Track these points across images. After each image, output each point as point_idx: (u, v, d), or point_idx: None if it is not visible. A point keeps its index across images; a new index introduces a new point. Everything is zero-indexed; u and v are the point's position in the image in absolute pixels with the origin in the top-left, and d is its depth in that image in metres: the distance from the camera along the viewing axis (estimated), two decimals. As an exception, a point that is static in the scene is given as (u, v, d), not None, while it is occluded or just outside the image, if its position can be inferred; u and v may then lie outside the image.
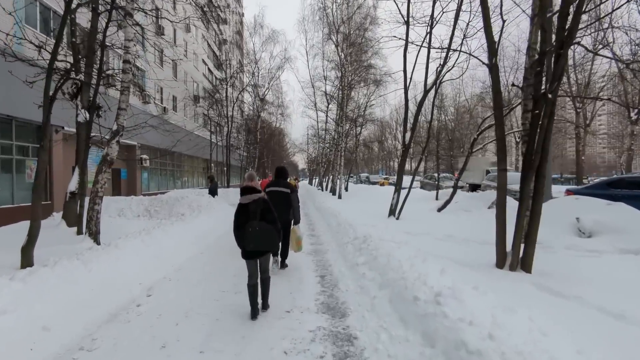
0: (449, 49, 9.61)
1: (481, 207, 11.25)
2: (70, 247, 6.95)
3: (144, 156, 21.25)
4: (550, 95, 4.66)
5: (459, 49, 9.41)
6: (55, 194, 13.55)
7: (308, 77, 32.03)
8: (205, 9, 30.90)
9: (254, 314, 3.98)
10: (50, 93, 5.95)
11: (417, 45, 10.03)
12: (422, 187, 26.43)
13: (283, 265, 6.34)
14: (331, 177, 28.91)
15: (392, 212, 10.56)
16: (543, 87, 4.90)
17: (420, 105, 10.71)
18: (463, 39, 9.75)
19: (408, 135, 10.56)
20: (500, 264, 5.21)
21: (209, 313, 4.15)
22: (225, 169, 29.55)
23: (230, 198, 21.32)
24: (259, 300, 4.16)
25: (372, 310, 4.08)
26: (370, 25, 23.04)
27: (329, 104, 28.74)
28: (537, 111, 4.85)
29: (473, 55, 6.15)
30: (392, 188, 25.60)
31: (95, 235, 7.73)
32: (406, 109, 10.75)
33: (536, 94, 4.95)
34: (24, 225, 11.00)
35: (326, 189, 32.53)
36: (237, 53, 40.84)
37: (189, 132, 27.78)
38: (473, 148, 11.33)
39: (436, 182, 23.75)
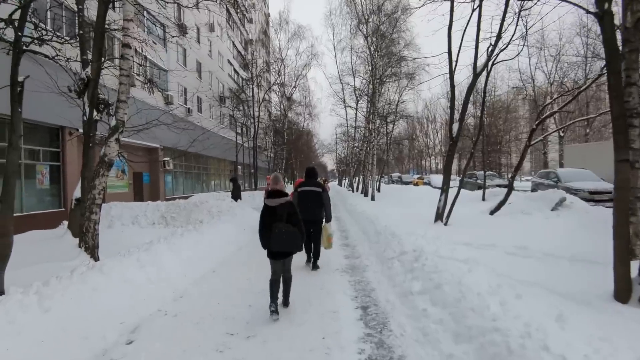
0: (504, 14, 7.95)
1: (543, 208, 9.47)
2: (61, 265, 5.84)
3: (167, 159, 20.47)
4: None
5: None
6: (70, 200, 12.78)
7: (336, 73, 30.55)
8: (230, 9, 30.19)
9: (273, 308, 4.00)
10: (21, 79, 4.81)
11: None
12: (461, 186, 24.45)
13: (315, 266, 6.29)
14: (362, 177, 27.36)
15: (439, 216, 8.98)
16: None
17: (469, 91, 9.08)
18: None
19: (456, 126, 8.96)
20: (621, 296, 3.62)
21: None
22: (252, 171, 28.59)
23: (256, 201, 20.17)
24: (280, 297, 4.26)
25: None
26: (402, 15, 21.43)
27: (358, 100, 27.25)
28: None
29: (573, 3, 4.54)
30: (428, 188, 23.84)
31: (92, 250, 6.62)
32: (452, 96, 9.17)
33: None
34: (30, 237, 10.22)
35: (357, 190, 30.98)
36: (262, 52, 40.03)
37: (213, 133, 27.02)
38: (531, 140, 9.57)
39: (477, 181, 21.85)
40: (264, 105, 35.19)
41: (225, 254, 7.32)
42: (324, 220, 6.56)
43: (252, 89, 27.46)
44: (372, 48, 20.82)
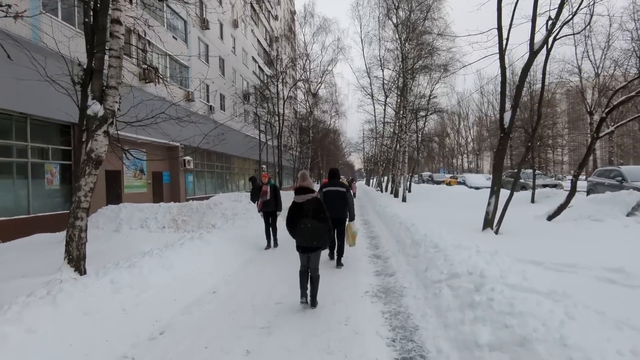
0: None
1: (616, 214, 7.84)
2: (35, 281, 4.86)
3: (188, 157, 19.71)
4: None
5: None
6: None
7: (363, 67, 29.13)
8: (254, 5, 29.33)
9: (303, 295, 4.34)
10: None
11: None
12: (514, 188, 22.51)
13: (339, 263, 6.48)
14: (391, 176, 25.84)
15: (488, 223, 7.51)
16: None
17: (525, 72, 7.55)
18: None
19: (508, 115, 7.46)
20: None
21: None
22: (277, 170, 27.58)
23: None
24: (308, 293, 4.41)
25: None
26: (434, 3, 19.82)
27: (386, 96, 25.74)
28: None
29: None
30: (463, 188, 22.01)
31: (77, 262, 5.60)
32: (503, 80, 7.66)
33: None
34: (32, 241, 9.46)
35: (385, 190, 29.45)
36: (288, 50, 39.09)
37: (236, 132, 26.20)
38: (599, 132, 7.94)
39: (520, 180, 19.84)
40: (289, 103, 34.24)
41: (233, 268, 6.16)
42: (347, 219, 6.68)
43: (277, 85, 26.43)
44: (402, 37, 19.33)
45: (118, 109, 9.16)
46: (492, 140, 54.07)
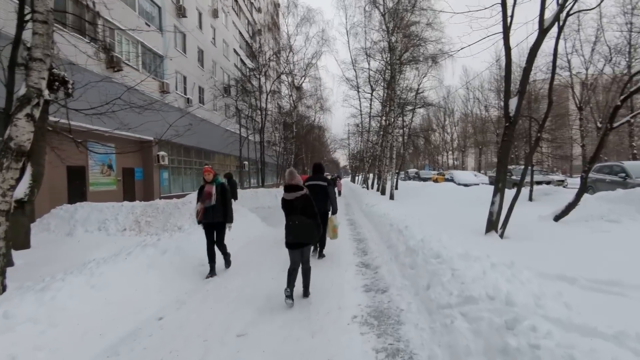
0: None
1: (634, 214, 7.01)
2: None
3: (162, 153, 18.40)
4: None
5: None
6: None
7: (349, 59, 28.11)
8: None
9: (288, 293, 4.17)
10: None
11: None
12: (491, 184, 21.75)
13: (321, 255, 6.73)
14: (378, 173, 24.94)
15: (492, 225, 6.57)
16: None
17: (532, 54, 6.61)
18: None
19: (514, 102, 6.53)
20: None
21: None
22: (259, 166, 26.38)
23: (259, 200, 18.01)
24: (300, 289, 4.54)
25: None
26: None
27: (373, 90, 24.76)
28: None
29: None
30: (452, 185, 21.21)
31: (-9, 277, 4.44)
32: (508, 61, 6.71)
33: None
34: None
35: (372, 187, 28.54)
36: (272, 44, 37.72)
37: (215, 126, 24.91)
38: (613, 122, 7.05)
39: (511, 177, 19.10)
40: (272, 97, 33.06)
41: (189, 285, 5.06)
42: (329, 212, 6.83)
43: (259, 79, 25.17)
44: (389, 27, 18.37)
45: (66, 92, 7.93)
46: (478, 137, 53.87)
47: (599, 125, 28.36)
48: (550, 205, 9.66)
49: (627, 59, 24.30)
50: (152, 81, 17.79)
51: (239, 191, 18.21)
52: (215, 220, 5.75)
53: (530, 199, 11.46)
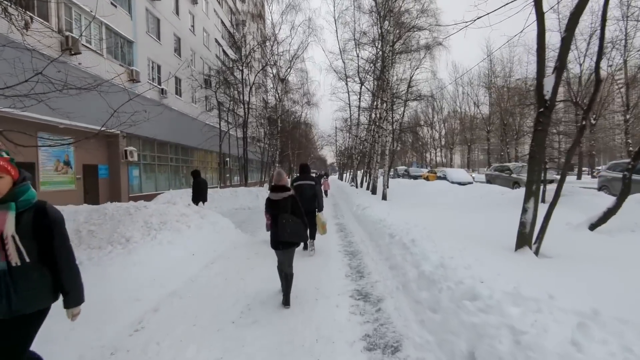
0: None
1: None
2: None
3: (131, 148, 16.57)
4: None
5: None
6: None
7: (337, 49, 26.52)
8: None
9: (286, 301, 4.20)
10: None
11: None
12: (489, 182, 20.41)
13: (311, 247, 7.12)
14: (368, 171, 23.46)
15: (524, 239, 5.08)
16: None
17: (574, 19, 5.14)
18: None
19: (550, 82, 5.07)
20: None
21: None
22: (243, 163, 24.60)
23: (239, 200, 16.35)
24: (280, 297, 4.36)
25: None
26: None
27: (362, 83, 23.23)
28: None
29: None
30: (445, 184, 19.65)
31: None
32: (541, 29, 5.21)
33: None
34: None
35: (361, 186, 27.05)
36: (256, 34, 35.84)
37: (193, 119, 23.08)
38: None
39: (511, 175, 17.75)
40: (257, 92, 31.23)
41: (109, 333, 3.46)
42: (316, 210, 7.20)
43: (242, 71, 23.34)
44: (381, 13, 16.85)
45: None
46: (466, 134, 52.88)
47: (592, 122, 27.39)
48: (569, 208, 8.30)
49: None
50: (120, 68, 15.94)
51: (214, 192, 16.60)
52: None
53: (544, 200, 10.06)
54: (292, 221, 4.28)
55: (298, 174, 7.45)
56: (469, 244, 5.29)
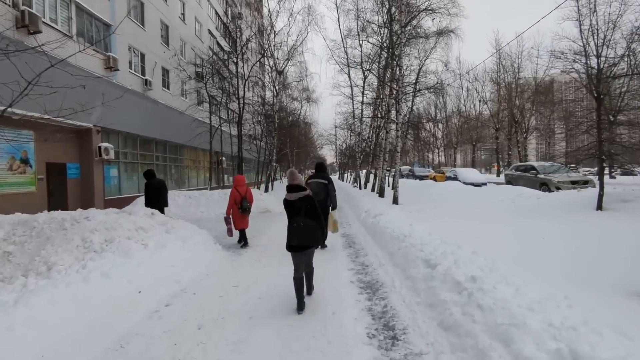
0: None
1: None
2: None
3: (105, 145, 14.53)
4: None
5: None
6: None
7: (339, 38, 24.44)
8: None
9: (300, 307, 4.05)
10: None
11: None
12: (509, 183, 18.30)
13: (323, 245, 7.15)
14: (375, 170, 21.43)
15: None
16: None
17: None
18: None
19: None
20: None
21: None
22: (238, 162, 22.52)
23: (219, 205, 14.28)
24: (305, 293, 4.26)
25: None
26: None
27: (365, 77, 21.18)
28: None
29: None
30: (457, 184, 17.61)
31: None
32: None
33: None
34: None
35: (365, 187, 25.01)
36: (253, 25, 33.77)
37: (182, 114, 21.03)
38: None
39: (537, 175, 15.55)
40: (254, 88, 29.22)
41: None
42: (330, 207, 7.14)
43: (237, 63, 21.25)
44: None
45: None
46: (472, 132, 50.80)
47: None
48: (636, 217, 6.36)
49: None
50: (93, 53, 13.91)
51: (201, 194, 14.56)
52: None
53: (600, 207, 8.08)
54: (304, 224, 4.15)
55: (313, 172, 7.56)
56: (567, 287, 3.29)
